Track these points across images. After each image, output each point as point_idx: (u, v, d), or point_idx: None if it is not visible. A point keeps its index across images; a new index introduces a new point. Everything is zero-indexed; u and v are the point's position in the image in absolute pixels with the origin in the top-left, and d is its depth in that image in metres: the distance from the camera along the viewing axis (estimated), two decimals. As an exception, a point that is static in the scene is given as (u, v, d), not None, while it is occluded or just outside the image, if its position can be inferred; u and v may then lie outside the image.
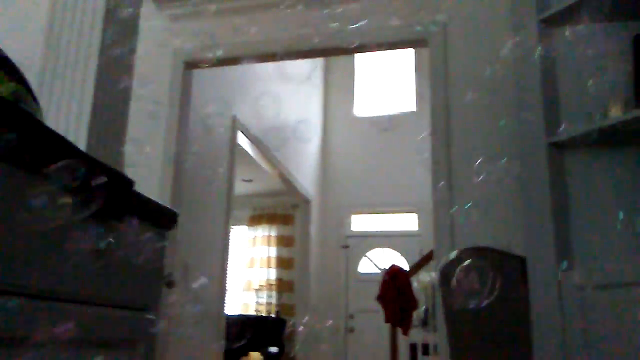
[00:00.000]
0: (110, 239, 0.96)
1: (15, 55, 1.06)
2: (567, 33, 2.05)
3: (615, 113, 1.98)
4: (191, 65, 3.69)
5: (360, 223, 7.92)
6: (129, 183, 1.04)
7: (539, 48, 2.03)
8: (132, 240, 1.10)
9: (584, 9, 1.89)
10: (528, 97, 2.23)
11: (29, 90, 1.02)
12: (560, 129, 2.08)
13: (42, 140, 0.86)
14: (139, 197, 1.12)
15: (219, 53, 3.59)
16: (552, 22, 2.17)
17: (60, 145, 0.89)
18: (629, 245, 2.00)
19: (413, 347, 4.91)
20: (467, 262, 2.49)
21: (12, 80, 0.97)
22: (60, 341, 0.90)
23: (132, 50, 1.82)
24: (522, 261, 2.21)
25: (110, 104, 1.60)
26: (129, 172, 1.14)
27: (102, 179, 0.97)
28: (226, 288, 4.33)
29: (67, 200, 0.91)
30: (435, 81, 3.14)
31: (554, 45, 2.14)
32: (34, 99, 1.03)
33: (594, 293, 1.92)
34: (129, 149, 1.81)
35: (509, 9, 2.47)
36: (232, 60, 3.67)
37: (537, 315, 2.10)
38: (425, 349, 4.60)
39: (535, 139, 2.16)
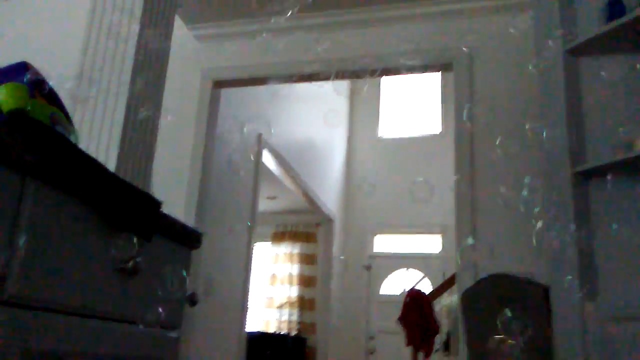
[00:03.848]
0: (138, 258, 0.99)
1: (50, 77, 1.11)
2: (593, 63, 2.04)
3: (641, 143, 1.97)
4: (219, 84, 3.77)
5: (383, 243, 7.89)
6: (157, 204, 1.08)
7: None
8: (159, 259, 1.13)
9: (610, 40, 1.88)
10: (553, 125, 2.23)
11: (65, 113, 1.06)
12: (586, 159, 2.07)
13: (75, 162, 0.89)
14: (167, 217, 1.15)
15: (247, 73, 3.66)
16: (578, 52, 2.17)
17: (92, 167, 0.93)
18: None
19: (434, 372, 4.84)
20: (489, 289, 2.48)
21: (50, 103, 1.01)
22: (84, 357, 0.93)
23: (163, 72, 1.87)
24: (545, 290, 2.19)
25: (141, 125, 1.65)
26: (156, 193, 1.17)
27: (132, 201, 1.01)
28: (248, 305, 4.35)
29: (99, 221, 0.94)
30: (460, 107, 3.15)
31: (579, 75, 2.14)
32: (70, 121, 1.07)
33: (617, 324, 1.89)
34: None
35: (534, 37, 2.47)
36: (259, 81, 3.74)
37: (559, 345, 2.08)
38: (446, 374, 4.54)
39: (561, 168, 2.15)
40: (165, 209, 1.13)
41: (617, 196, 2.13)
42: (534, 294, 2.21)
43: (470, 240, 2.93)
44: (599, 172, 2.12)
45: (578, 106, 2.20)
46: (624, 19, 2.06)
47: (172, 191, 3.41)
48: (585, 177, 2.16)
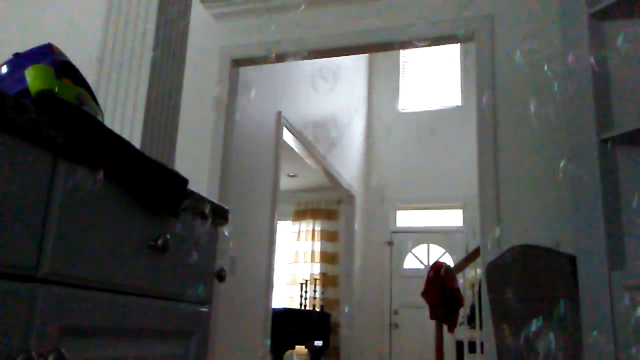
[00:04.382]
0: (167, 235, 1.01)
1: (74, 59, 1.12)
2: (618, 27, 1.99)
3: (671, 108, 1.92)
4: (238, 63, 3.76)
5: (405, 219, 7.88)
6: (184, 181, 1.09)
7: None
8: (187, 235, 1.15)
9: (636, 3, 1.83)
10: (579, 92, 2.18)
11: (90, 93, 1.07)
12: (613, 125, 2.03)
13: (105, 141, 0.90)
14: (193, 194, 1.16)
15: (265, 51, 3.64)
16: (603, 16, 2.12)
17: (121, 145, 0.93)
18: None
19: (459, 345, 4.87)
20: (514, 261, 2.47)
21: (76, 84, 1.02)
22: (119, 331, 0.95)
23: (183, 49, 1.87)
24: (572, 260, 2.17)
25: (163, 104, 1.66)
26: (179, 171, 1.18)
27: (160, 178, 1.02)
28: (273, 282, 4.40)
29: (129, 198, 0.96)
30: (481, 77, 3.10)
31: (605, 39, 2.09)
32: (96, 101, 1.08)
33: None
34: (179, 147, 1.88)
35: (559, 2, 2.42)
36: (278, 58, 3.72)
37: (586, 314, 2.07)
38: (472, 347, 4.56)
39: (587, 135, 2.12)
40: (190, 187, 1.14)
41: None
42: (560, 264, 2.20)
43: (494, 213, 2.91)
44: (626, 139, 2.08)
45: (605, 71, 2.15)
46: (650, -19, 2.00)
47: (195, 171, 3.43)
48: (612, 144, 2.12)
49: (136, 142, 1.51)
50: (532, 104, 2.91)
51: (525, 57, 2.98)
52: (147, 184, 0.99)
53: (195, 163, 3.54)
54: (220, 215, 1.30)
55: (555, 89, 2.55)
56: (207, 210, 1.23)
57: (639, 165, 2.11)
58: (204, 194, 1.25)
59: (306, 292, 7.46)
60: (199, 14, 3.62)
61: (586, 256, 2.11)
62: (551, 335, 2.18)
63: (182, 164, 1.89)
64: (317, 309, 7.30)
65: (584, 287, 2.09)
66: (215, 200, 3.41)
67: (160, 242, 1.01)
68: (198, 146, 3.59)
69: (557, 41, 2.25)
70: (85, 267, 0.86)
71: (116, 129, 1.49)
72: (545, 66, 2.71)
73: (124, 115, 1.49)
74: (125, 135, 1.48)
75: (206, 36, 3.78)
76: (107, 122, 1.49)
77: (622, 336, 1.94)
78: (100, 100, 1.54)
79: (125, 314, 0.97)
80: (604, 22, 2.14)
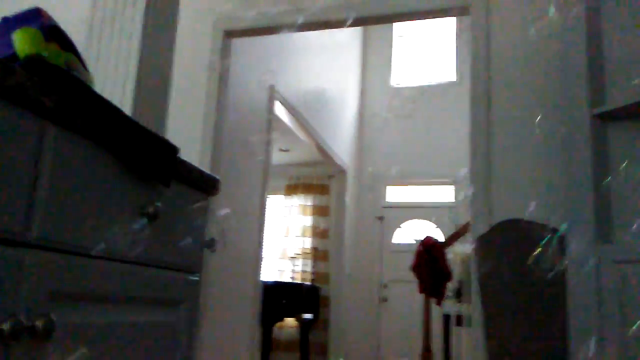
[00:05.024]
0: (158, 203, 1.00)
1: (63, 25, 1.10)
2: (615, 2, 1.98)
3: (663, 85, 1.93)
4: (231, 34, 3.72)
5: (396, 194, 7.91)
6: (175, 149, 1.08)
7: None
8: (178, 204, 1.14)
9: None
10: (573, 66, 2.18)
11: (79, 58, 1.06)
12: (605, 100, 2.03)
13: (95, 107, 0.89)
14: (184, 163, 1.15)
15: (259, 22, 3.60)
16: (599, -11, 2.11)
17: (111, 112, 0.92)
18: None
19: (446, 318, 4.93)
20: (504, 235, 2.49)
21: (65, 49, 1.00)
22: (108, 298, 0.96)
23: (174, 18, 1.84)
24: (560, 234, 2.19)
25: (154, 73, 1.64)
26: (172, 141, 1.17)
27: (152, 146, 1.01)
28: (262, 255, 4.42)
29: (119, 165, 0.95)
30: (476, 50, 3.08)
31: (600, 13, 2.08)
32: (84, 66, 1.07)
33: (632, 268, 1.90)
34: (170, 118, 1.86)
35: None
36: (271, 30, 3.68)
37: (573, 289, 2.10)
38: (459, 320, 4.62)
39: (579, 110, 2.12)
40: (181, 157, 1.14)
41: (636, 139, 2.10)
42: (549, 238, 2.22)
43: (478, 188, 2.92)
44: (618, 115, 2.08)
45: (599, 46, 2.14)
46: (647, -44, 1.99)
47: (186, 141, 3.41)
48: (604, 120, 2.12)
49: (127, 110, 1.50)
50: (527, 80, 2.90)
51: (520, 30, 2.96)
52: (137, 151, 0.98)
53: (187, 134, 3.52)
54: (211, 185, 1.29)
55: (551, 63, 2.54)
56: (198, 180, 1.22)
57: (629, 140, 2.12)
58: (195, 164, 1.24)
59: (297, 265, 7.51)
60: (190, -17, 3.56)
61: (575, 230, 2.13)
62: (539, 308, 2.22)
63: (174, 135, 1.88)
64: (308, 283, 7.36)
65: (572, 261, 2.11)
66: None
67: (150, 209, 1.01)
68: (190, 117, 3.56)
69: (553, 14, 2.23)
70: (75, 232, 0.86)
71: (106, 96, 1.47)
72: (541, 40, 2.70)
73: (114, 83, 1.47)
74: (116, 103, 1.47)
75: (199, 7, 3.73)
76: (97, 89, 1.47)
77: (608, 309, 1.97)
78: (90, 67, 1.52)
79: (115, 280, 0.97)
80: (600, -3, 2.13)
